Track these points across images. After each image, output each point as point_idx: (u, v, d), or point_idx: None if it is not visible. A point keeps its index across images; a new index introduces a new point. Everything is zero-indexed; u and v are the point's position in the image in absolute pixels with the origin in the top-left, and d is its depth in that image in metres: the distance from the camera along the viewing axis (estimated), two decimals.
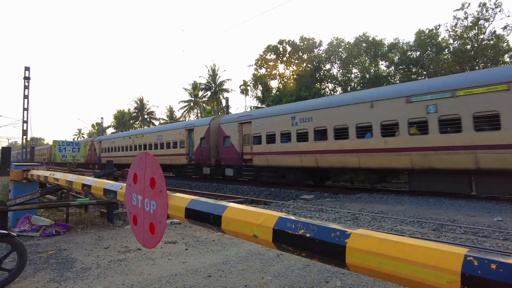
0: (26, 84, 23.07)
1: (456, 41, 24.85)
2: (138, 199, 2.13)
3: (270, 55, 32.85)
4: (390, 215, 7.61)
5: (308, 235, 1.21)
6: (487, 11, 23.07)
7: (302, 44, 31.20)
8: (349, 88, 26.86)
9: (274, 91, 31.86)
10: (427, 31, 25.07)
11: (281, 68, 33.16)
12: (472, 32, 23.87)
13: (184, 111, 49.99)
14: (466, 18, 23.88)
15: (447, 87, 9.96)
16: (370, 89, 13.69)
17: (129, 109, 61.23)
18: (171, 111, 54.86)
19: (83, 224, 6.39)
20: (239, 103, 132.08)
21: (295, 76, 30.24)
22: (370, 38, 27.08)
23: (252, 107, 33.29)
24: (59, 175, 4.31)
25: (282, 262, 4.01)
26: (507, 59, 23.39)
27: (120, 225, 6.36)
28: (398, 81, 24.68)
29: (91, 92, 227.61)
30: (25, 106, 23.25)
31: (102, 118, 50.95)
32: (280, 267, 3.83)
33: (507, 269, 0.79)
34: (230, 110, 33.26)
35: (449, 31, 25.01)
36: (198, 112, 46.55)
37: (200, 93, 48.28)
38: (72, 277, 3.56)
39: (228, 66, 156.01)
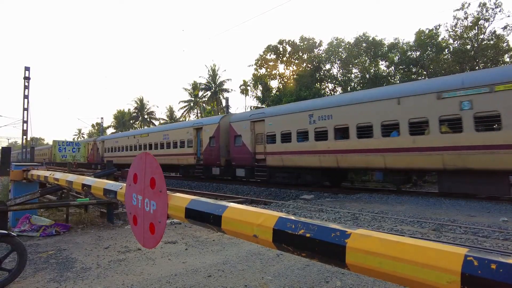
0: (26, 84, 23.06)
1: (456, 41, 24.88)
2: (138, 199, 2.13)
3: (270, 55, 32.89)
4: (390, 215, 7.61)
5: (308, 235, 1.21)
6: (487, 11, 23.10)
7: (302, 44, 31.21)
8: (349, 88, 26.87)
9: (274, 91, 31.88)
10: (427, 31, 25.08)
11: (281, 68, 33.22)
12: (472, 32, 23.89)
13: (184, 111, 50.08)
14: (466, 18, 23.92)
15: (485, 82, 9.29)
16: (397, 85, 12.81)
17: (129, 109, 61.30)
18: (171, 111, 54.92)
19: (83, 224, 6.39)
20: (239, 103, 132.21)
21: (295, 76, 30.27)
22: (370, 38, 27.09)
23: (252, 107, 33.32)
24: (59, 175, 4.31)
25: (282, 262, 4.01)
26: (507, 59, 23.41)
27: (120, 225, 6.36)
28: (398, 81, 24.69)
29: (91, 92, 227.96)
30: (25, 106, 23.25)
31: (102, 118, 51.00)
32: (280, 267, 3.83)
33: (507, 269, 0.79)
34: (230, 110, 33.26)
35: (449, 31, 25.05)
36: (198, 112, 46.57)
37: (200, 93, 48.32)
38: (72, 277, 3.56)
39: (228, 66, 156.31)
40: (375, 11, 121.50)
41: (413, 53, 25.83)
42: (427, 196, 10.67)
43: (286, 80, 32.24)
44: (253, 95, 33.84)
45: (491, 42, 23.27)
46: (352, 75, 28.84)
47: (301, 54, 31.61)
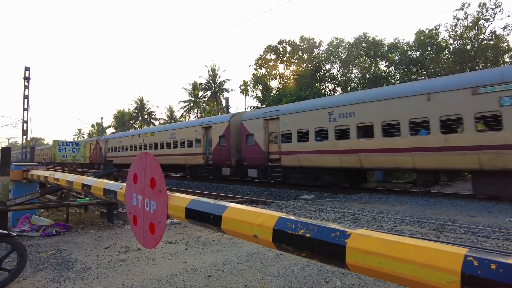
0: (26, 84, 23.07)
1: (456, 41, 24.91)
2: (138, 199, 2.13)
3: (270, 55, 32.93)
4: (390, 215, 7.62)
5: (308, 235, 1.21)
6: (487, 11, 23.13)
7: (302, 44, 31.24)
8: (349, 88, 26.89)
9: (274, 91, 31.90)
10: (427, 31, 25.11)
11: (281, 68, 33.27)
12: (472, 32, 23.92)
13: (184, 111, 50.11)
14: (466, 18, 23.95)
15: None
16: (426, 80, 12.01)
17: (129, 109, 61.33)
18: (171, 111, 54.95)
19: (83, 224, 6.39)
20: (239, 103, 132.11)
21: (295, 76, 30.30)
22: (370, 38, 27.12)
23: (252, 107, 33.34)
24: (59, 175, 4.31)
25: (282, 262, 4.01)
26: (507, 59, 23.43)
27: (120, 225, 6.36)
28: (398, 81, 24.71)
29: (91, 92, 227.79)
30: (25, 106, 23.26)
31: (102, 118, 51.04)
32: (280, 267, 3.83)
33: (507, 269, 0.79)
34: (230, 110, 33.28)
35: (449, 31, 25.08)
36: (198, 112, 46.60)
37: (200, 93, 48.34)
38: (72, 277, 3.56)
39: (228, 66, 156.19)
40: (375, 11, 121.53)
41: (413, 53, 25.85)
42: (427, 196, 10.67)
43: (286, 80, 32.27)
44: (253, 95, 33.91)
45: (491, 42, 23.30)
46: (352, 75, 28.88)
47: (301, 54, 31.64)
